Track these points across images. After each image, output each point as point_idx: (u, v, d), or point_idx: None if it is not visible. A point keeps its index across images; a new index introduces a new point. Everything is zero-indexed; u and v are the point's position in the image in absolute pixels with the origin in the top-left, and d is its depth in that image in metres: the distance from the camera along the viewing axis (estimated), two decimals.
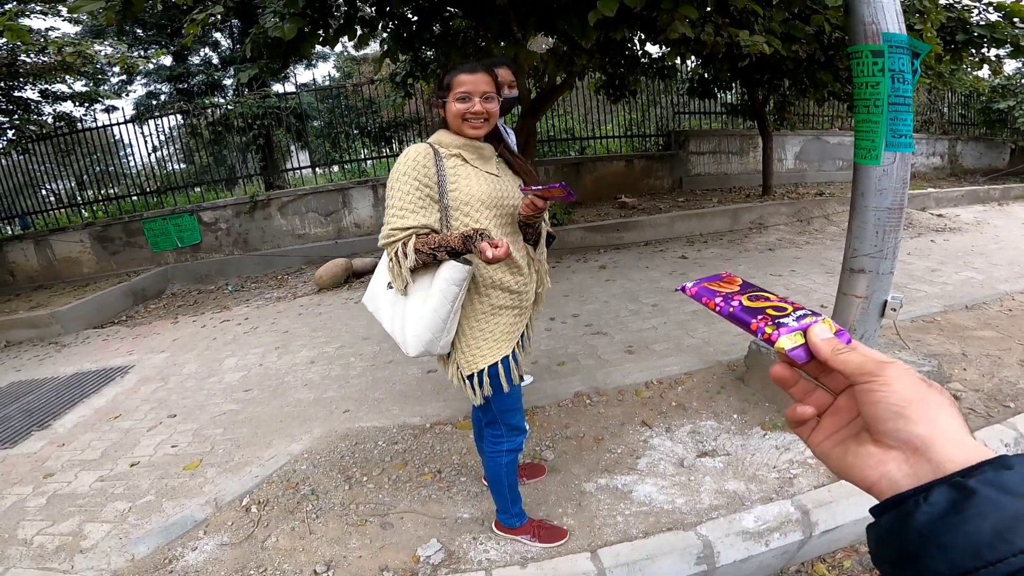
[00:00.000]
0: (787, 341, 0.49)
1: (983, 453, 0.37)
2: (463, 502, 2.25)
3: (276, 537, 2.14)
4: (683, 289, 0.66)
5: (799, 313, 0.53)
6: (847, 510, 1.99)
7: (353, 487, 2.40)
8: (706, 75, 7.79)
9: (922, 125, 11.20)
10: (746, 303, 0.58)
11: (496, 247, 1.41)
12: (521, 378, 1.84)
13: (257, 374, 3.88)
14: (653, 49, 6.82)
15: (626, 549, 1.90)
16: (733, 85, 8.16)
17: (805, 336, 0.49)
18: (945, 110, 11.86)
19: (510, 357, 1.73)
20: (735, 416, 2.64)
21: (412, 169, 1.58)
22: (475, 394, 1.73)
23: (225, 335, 4.95)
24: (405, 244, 1.57)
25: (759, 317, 0.54)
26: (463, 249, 1.51)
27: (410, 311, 1.64)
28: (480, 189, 1.64)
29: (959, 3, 5.51)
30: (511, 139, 2.68)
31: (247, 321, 5.32)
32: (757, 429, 2.51)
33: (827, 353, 0.46)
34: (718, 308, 0.60)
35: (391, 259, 1.61)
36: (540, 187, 1.59)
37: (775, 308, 0.55)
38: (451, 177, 1.62)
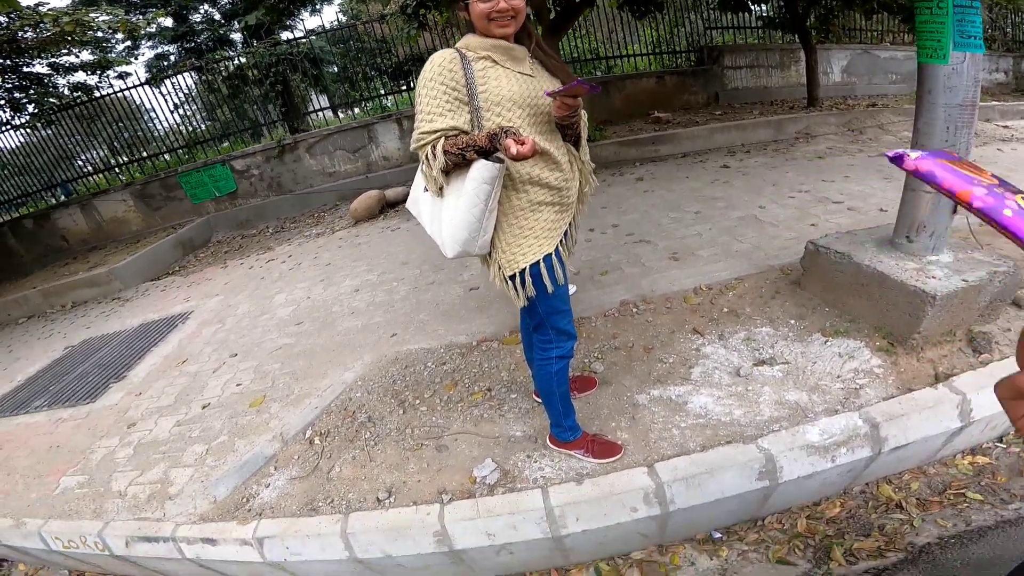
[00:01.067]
0: None
1: None
2: (515, 420, 2.25)
3: (340, 467, 2.20)
4: (898, 159, 0.44)
5: None
6: (919, 425, 1.85)
7: (407, 411, 2.44)
8: None
9: (985, 42, 10.32)
10: None
11: (521, 143, 1.36)
12: (566, 280, 1.79)
13: (306, 307, 3.96)
14: None
15: (684, 463, 1.84)
16: None
17: None
18: (1009, 29, 11.06)
19: (553, 255, 1.68)
20: (792, 322, 2.50)
21: (438, 74, 1.54)
22: (518, 295, 1.70)
23: (272, 274, 5.08)
24: (434, 147, 1.55)
25: None
26: (490, 147, 1.48)
27: (446, 212, 1.63)
28: (511, 88, 1.58)
29: None
30: None
31: (291, 259, 5.44)
32: (817, 336, 2.37)
33: None
34: (979, 203, 0.39)
35: (423, 162, 1.60)
36: (561, 89, 1.51)
37: None
38: (480, 78, 1.57)
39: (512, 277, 1.69)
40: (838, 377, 2.12)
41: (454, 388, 2.53)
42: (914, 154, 0.43)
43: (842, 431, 1.84)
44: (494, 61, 1.60)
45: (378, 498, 2.00)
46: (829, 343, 2.32)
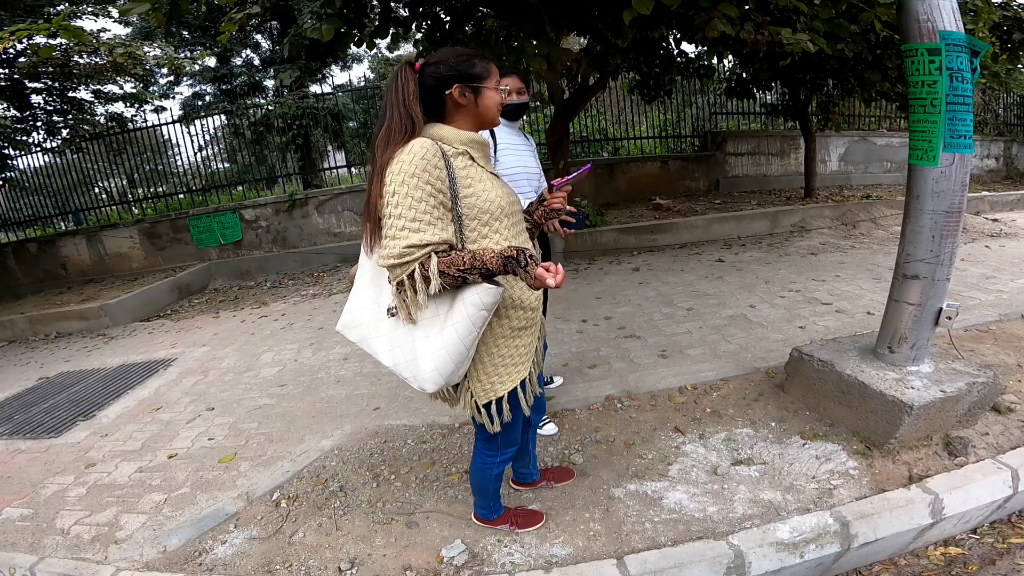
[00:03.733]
0: None
1: None
2: None
3: (303, 533, 2.15)
4: None
5: None
6: (889, 523, 1.90)
7: (381, 485, 2.40)
8: (744, 75, 7.59)
9: (976, 126, 10.69)
10: None
11: (554, 272, 1.24)
12: (544, 387, 1.79)
13: (292, 369, 3.95)
14: (689, 48, 6.70)
15: (654, 557, 1.85)
16: (773, 85, 7.93)
17: None
18: (1001, 111, 11.33)
19: (527, 378, 1.62)
20: (773, 424, 2.54)
21: (422, 171, 1.31)
22: (492, 423, 1.58)
23: (263, 330, 5.07)
24: (424, 265, 1.31)
25: None
26: (502, 271, 1.30)
27: (426, 342, 1.41)
28: (496, 193, 1.44)
29: (1015, 3, 5.23)
30: (532, 146, 2.62)
31: (284, 317, 5.44)
32: (796, 438, 2.40)
33: None
34: None
35: (403, 283, 1.33)
36: (573, 175, 1.53)
37: None
38: (463, 179, 1.39)
39: (487, 405, 1.57)
40: (813, 478, 2.15)
41: (431, 467, 2.51)
42: None
43: (812, 529, 1.89)
44: (472, 159, 1.45)
45: (340, 568, 1.94)
46: (807, 446, 2.34)
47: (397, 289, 1.35)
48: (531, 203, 1.78)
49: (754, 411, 2.67)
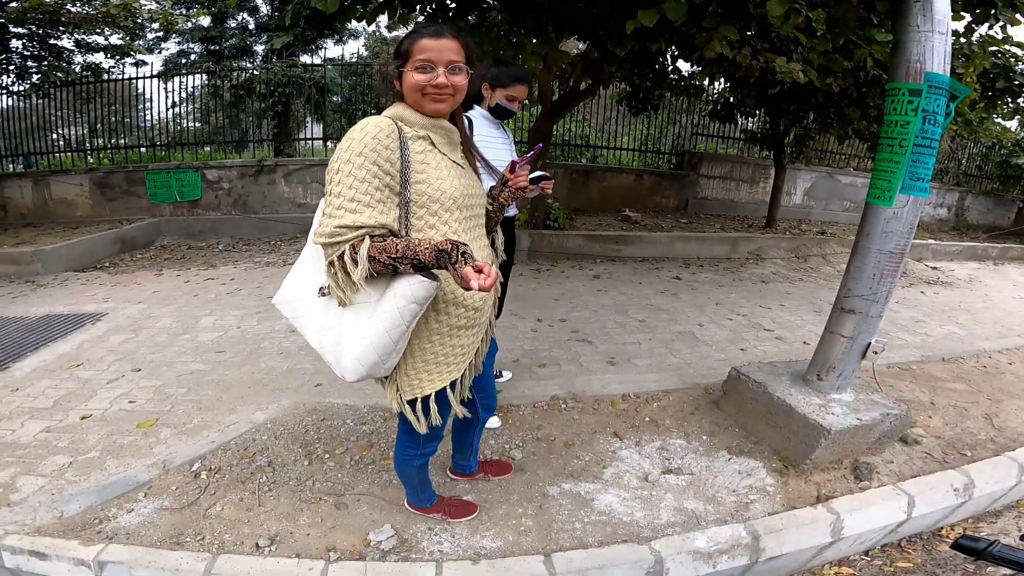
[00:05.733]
0: None
1: None
2: None
3: (221, 506, 2.08)
4: None
5: None
6: (795, 539, 2.01)
7: (313, 463, 2.36)
8: (731, 99, 7.75)
9: (937, 174, 11.14)
10: None
11: (485, 275, 1.11)
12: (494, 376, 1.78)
13: (233, 336, 3.81)
14: (684, 66, 6.80)
15: (579, 556, 1.89)
16: (757, 112, 8.10)
17: None
18: (963, 161, 11.72)
19: (458, 379, 1.55)
20: (705, 438, 2.64)
21: (371, 150, 1.23)
22: (419, 421, 1.51)
23: (207, 293, 4.87)
24: (355, 248, 1.23)
25: None
26: (435, 265, 1.20)
27: (352, 327, 1.33)
28: (452, 183, 1.36)
29: (1007, 51, 5.24)
30: (509, 140, 2.57)
31: (232, 282, 5.24)
32: (724, 452, 2.51)
33: None
34: None
35: (333, 264, 1.26)
36: (529, 154, 1.56)
37: None
38: (417, 164, 1.32)
39: (411, 401, 1.50)
40: (734, 491, 2.26)
41: (368, 449, 2.48)
42: None
43: (727, 540, 1.97)
44: (432, 144, 1.38)
45: (258, 544, 1.90)
46: (732, 460, 2.45)
47: (328, 269, 1.28)
48: (492, 187, 1.73)
49: (689, 424, 2.76)
